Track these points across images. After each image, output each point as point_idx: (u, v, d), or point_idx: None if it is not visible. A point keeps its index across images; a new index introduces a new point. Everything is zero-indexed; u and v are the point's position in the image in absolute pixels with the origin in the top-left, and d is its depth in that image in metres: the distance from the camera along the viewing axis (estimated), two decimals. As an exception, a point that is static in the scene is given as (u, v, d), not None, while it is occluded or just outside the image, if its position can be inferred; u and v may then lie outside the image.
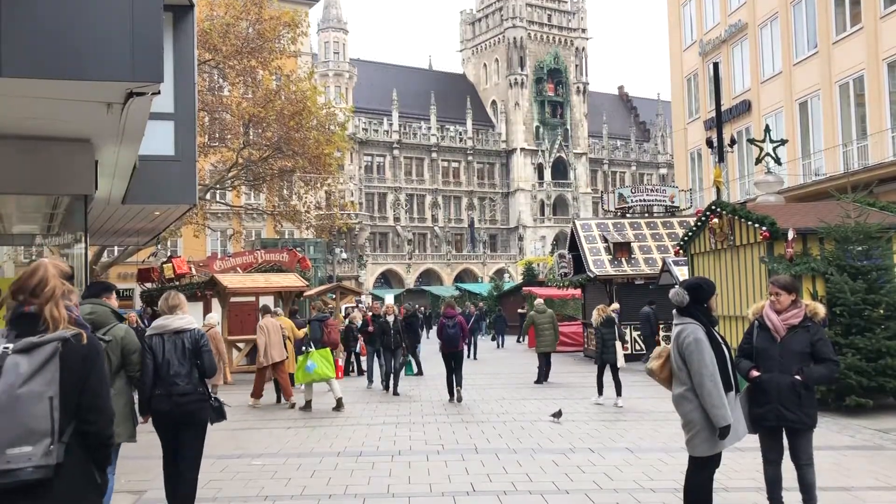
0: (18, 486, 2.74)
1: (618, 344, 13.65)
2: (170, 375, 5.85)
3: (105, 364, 3.22)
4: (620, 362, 13.56)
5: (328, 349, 13.10)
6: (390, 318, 15.42)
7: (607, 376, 13.21)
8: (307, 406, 12.96)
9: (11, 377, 2.78)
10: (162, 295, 6.51)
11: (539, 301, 19.77)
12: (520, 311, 34.33)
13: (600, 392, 13.28)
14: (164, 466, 6.20)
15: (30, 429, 2.76)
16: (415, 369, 17.26)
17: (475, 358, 24.43)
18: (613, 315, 14.16)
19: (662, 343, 12.86)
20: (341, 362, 13.96)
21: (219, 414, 6.20)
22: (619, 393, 12.99)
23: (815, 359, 5.64)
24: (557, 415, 11.31)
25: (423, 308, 47.78)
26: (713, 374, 5.10)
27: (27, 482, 2.75)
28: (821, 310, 5.91)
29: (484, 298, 44.89)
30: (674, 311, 5.44)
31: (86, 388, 2.95)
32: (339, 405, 12.74)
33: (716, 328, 5.41)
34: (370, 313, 17.86)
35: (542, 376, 16.70)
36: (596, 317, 14.04)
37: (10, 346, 2.87)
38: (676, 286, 5.49)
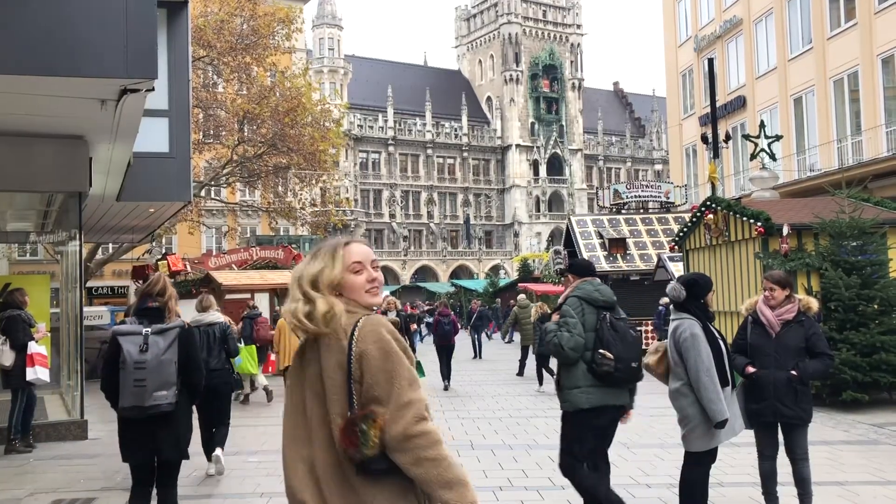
0: (159, 414, 4.76)
1: None
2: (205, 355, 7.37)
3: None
4: None
5: (253, 346, 13.88)
6: (392, 314, 13.47)
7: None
8: (245, 399, 13.74)
9: (156, 349, 4.72)
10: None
11: (521, 296, 19.88)
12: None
13: (540, 382, 14.75)
14: (202, 429, 7.77)
15: (166, 381, 4.74)
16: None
17: (480, 357, 23.72)
18: (549, 311, 15.83)
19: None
20: (273, 357, 14.76)
21: (237, 385, 8.68)
22: (541, 382, 14.71)
23: (810, 353, 5.65)
24: None
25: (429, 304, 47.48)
26: (709, 370, 5.10)
27: (164, 412, 4.77)
28: (814, 304, 5.91)
29: (479, 295, 44.81)
30: (671, 306, 5.45)
31: (189, 356, 4.95)
32: (245, 400, 13.69)
33: (712, 324, 5.42)
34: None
35: (523, 369, 17.22)
36: (534, 313, 15.93)
37: (149, 329, 4.76)
38: (673, 282, 5.50)
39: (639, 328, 21.21)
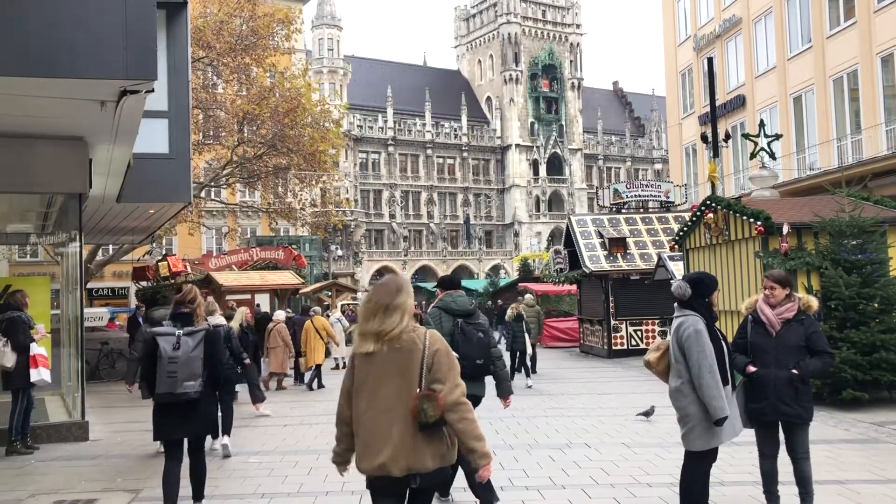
0: (187, 399, 5.83)
1: (526, 336, 16.21)
2: None
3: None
4: (529, 350, 16.24)
5: None
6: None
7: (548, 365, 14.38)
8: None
9: (186, 347, 5.83)
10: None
11: (528, 296, 19.93)
12: None
13: (527, 374, 15.82)
14: None
15: (193, 373, 5.83)
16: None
17: None
18: (523, 313, 16.68)
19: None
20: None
21: (238, 378, 10.02)
22: (528, 374, 15.86)
23: (811, 352, 5.65)
24: (648, 413, 10.69)
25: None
26: (712, 366, 5.10)
27: (191, 398, 5.84)
28: (814, 302, 5.91)
29: (480, 295, 44.78)
30: (675, 304, 5.43)
31: (214, 353, 6.07)
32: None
33: (716, 324, 5.41)
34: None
35: (531, 369, 17.10)
36: (510, 313, 16.78)
37: (181, 331, 5.88)
38: (678, 279, 5.49)
39: (639, 328, 21.28)
